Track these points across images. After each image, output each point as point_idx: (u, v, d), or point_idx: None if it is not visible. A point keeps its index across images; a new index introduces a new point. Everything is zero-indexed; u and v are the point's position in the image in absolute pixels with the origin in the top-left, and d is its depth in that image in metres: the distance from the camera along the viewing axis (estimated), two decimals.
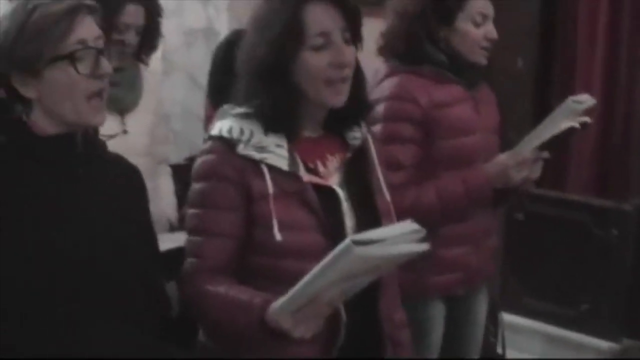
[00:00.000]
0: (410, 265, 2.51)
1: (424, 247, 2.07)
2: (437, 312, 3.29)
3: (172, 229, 3.74)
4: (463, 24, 3.19)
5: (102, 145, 2.28)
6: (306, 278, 2.05)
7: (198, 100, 6.08)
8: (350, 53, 2.34)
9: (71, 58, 2.09)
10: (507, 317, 4.24)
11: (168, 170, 4.13)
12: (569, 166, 5.63)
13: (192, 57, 6.26)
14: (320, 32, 2.31)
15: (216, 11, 6.26)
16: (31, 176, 2.10)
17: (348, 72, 2.34)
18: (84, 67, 2.11)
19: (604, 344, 5.25)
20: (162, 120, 4.09)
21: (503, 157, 3.11)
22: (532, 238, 5.29)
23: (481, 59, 3.23)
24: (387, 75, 3.20)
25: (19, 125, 2.14)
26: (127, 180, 2.30)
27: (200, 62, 6.11)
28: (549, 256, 5.38)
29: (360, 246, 1.95)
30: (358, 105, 2.43)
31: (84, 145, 2.17)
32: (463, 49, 3.20)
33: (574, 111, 3.04)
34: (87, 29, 2.13)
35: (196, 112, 6.02)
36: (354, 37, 2.36)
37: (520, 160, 3.06)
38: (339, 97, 2.34)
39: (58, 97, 2.12)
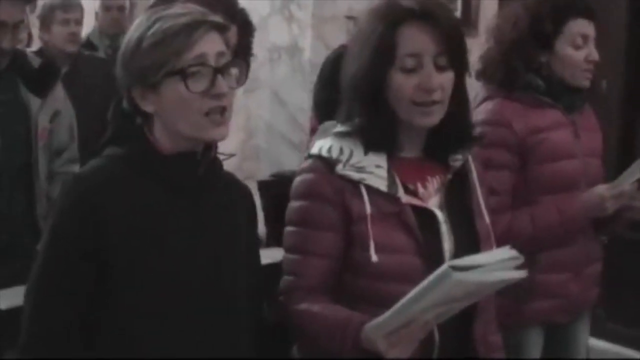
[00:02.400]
0: (508, 290, 2.51)
1: (522, 274, 2.07)
2: (534, 340, 3.25)
3: (261, 244, 3.77)
4: (563, 47, 3.17)
5: (220, 165, 2.25)
6: (403, 301, 2.06)
7: (282, 117, 6.12)
8: (441, 78, 2.32)
9: (183, 74, 2.04)
10: (591, 342, 4.20)
11: (254, 185, 4.15)
12: None
13: (276, 74, 6.29)
14: (410, 54, 2.31)
15: (300, 29, 6.29)
16: (149, 193, 2.10)
17: (437, 96, 2.32)
18: (197, 85, 2.05)
19: None
20: (250, 137, 4.12)
21: (602, 188, 3.08)
22: (615, 261, 5.23)
23: (584, 82, 3.20)
24: (484, 100, 3.19)
25: (140, 139, 2.12)
26: (241, 200, 2.31)
27: (284, 79, 6.16)
28: (632, 279, 5.32)
29: (458, 272, 1.95)
30: (460, 128, 2.42)
31: (205, 164, 2.15)
32: (564, 73, 3.18)
33: None
34: (208, 45, 2.07)
35: (279, 129, 6.05)
36: (455, 62, 2.35)
37: (617, 193, 3.04)
38: (428, 119, 2.34)
39: (173, 113, 2.08)
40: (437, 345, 2.30)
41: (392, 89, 2.33)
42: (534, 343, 3.26)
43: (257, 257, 2.36)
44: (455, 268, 1.96)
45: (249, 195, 2.36)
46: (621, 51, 5.70)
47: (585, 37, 3.18)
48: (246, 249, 2.27)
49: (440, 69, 2.32)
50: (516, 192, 3.12)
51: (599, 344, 5.11)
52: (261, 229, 3.95)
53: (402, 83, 2.31)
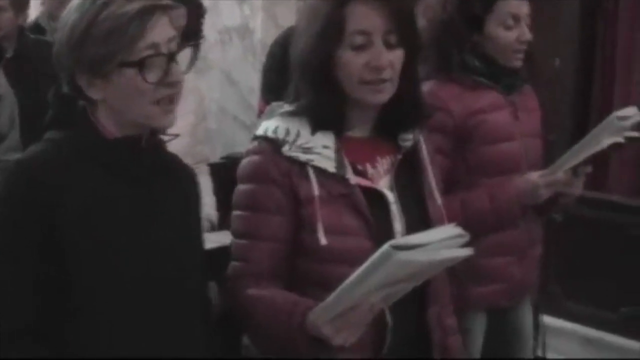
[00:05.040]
0: (451, 275, 2.49)
1: (468, 252, 2.03)
2: (478, 324, 3.23)
3: (213, 228, 3.71)
4: (493, 27, 3.13)
5: (163, 146, 2.20)
6: (345, 284, 2.02)
7: (233, 99, 6.08)
8: (390, 56, 2.28)
9: (139, 66, 1.99)
10: (547, 320, 4.19)
11: (206, 169, 4.10)
12: (609, 167, 5.57)
13: (227, 56, 6.25)
14: (359, 31, 2.27)
15: (251, 9, 6.24)
16: (93, 177, 2.05)
17: (387, 74, 2.28)
18: (153, 74, 2.01)
19: None
20: (202, 120, 4.06)
21: (535, 175, 3.06)
22: (572, 240, 5.23)
23: (515, 62, 3.16)
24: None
25: (83, 123, 2.07)
26: (185, 183, 2.26)
27: (236, 60, 6.11)
28: (589, 258, 5.33)
29: (401, 251, 1.90)
30: (410, 107, 2.38)
31: (148, 147, 2.10)
32: (496, 54, 3.14)
33: (618, 127, 2.99)
34: (160, 32, 2.02)
35: (231, 111, 6.00)
36: (404, 40, 2.30)
37: (551, 181, 3.02)
38: (377, 97, 2.30)
39: (124, 101, 2.04)
40: (390, 329, 2.27)
41: (341, 67, 2.28)
42: (478, 327, 3.23)
43: (200, 238, 2.30)
44: (398, 248, 1.90)
45: (193, 177, 2.31)
46: (574, 29, 5.70)
47: (516, 17, 3.14)
48: (190, 231, 2.22)
49: (390, 47, 2.28)
50: (456, 176, 3.07)
51: (556, 322, 5.12)
52: (213, 212, 3.90)
53: (351, 61, 2.27)
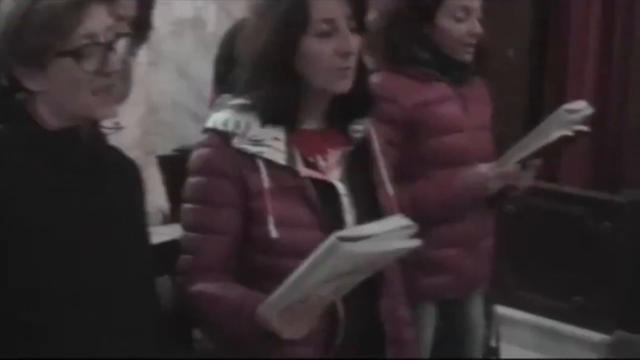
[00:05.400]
0: (402, 266, 2.48)
1: (415, 242, 2.02)
2: (428, 316, 3.22)
3: (165, 221, 3.68)
4: (444, 20, 3.11)
5: (103, 138, 2.18)
6: (292, 277, 2.00)
7: (186, 91, 6.04)
8: (355, 41, 2.28)
9: (76, 55, 1.97)
10: (500, 310, 4.21)
11: (155, 161, 4.06)
12: (563, 159, 5.61)
13: (180, 47, 6.20)
14: (325, 18, 2.25)
15: (204, 1, 6.21)
16: (34, 170, 2.01)
17: (353, 60, 2.28)
18: (89, 64, 1.98)
19: (596, 336, 5.25)
20: (152, 112, 4.02)
21: (485, 168, 3.06)
22: (525, 231, 5.26)
23: (465, 56, 3.15)
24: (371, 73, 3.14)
25: (21, 115, 2.04)
26: (126, 174, 2.22)
27: (188, 53, 6.07)
28: (542, 249, 5.36)
29: (347, 242, 1.89)
30: (361, 97, 2.37)
31: (88, 139, 2.07)
32: (446, 47, 3.13)
33: (567, 120, 2.99)
34: (97, 21, 1.99)
35: (184, 103, 5.96)
36: (360, 26, 2.30)
37: (500, 173, 3.02)
38: (343, 84, 2.29)
39: (62, 92, 2.01)
40: (342, 321, 2.25)
41: (306, 57, 2.26)
42: (429, 319, 3.22)
43: (146, 233, 2.27)
44: (344, 239, 1.89)
45: (135, 168, 2.28)
46: (527, 20, 5.72)
47: (467, 10, 3.13)
48: (134, 223, 2.19)
49: (352, 30, 2.28)
50: (405, 168, 3.05)
51: (510, 312, 5.15)
52: (164, 204, 3.87)
53: (318, 49, 2.26)
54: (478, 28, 3.13)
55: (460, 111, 3.16)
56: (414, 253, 3.07)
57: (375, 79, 3.04)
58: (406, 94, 3.08)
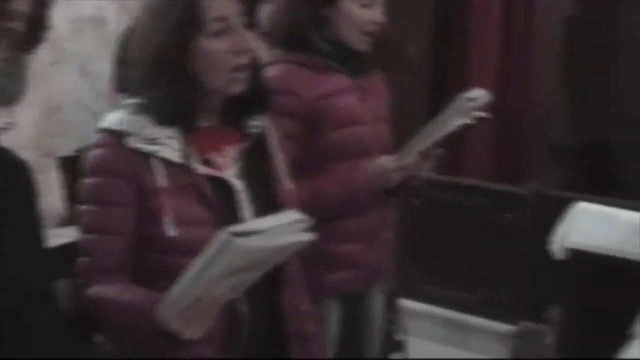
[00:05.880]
0: (304, 263, 2.47)
1: (309, 236, 2.02)
2: (332, 311, 3.22)
3: (63, 223, 3.64)
4: (349, 3, 3.09)
5: None
6: (186, 275, 1.99)
7: (89, 90, 5.96)
8: (248, 38, 2.28)
9: None
10: (407, 304, 4.24)
11: (54, 162, 4.01)
12: (464, 151, 5.67)
13: (81, 46, 6.12)
14: (218, 17, 2.24)
15: (105, 0, 6.14)
16: None
17: (246, 58, 2.28)
18: None
19: (502, 327, 5.31)
20: (52, 112, 3.97)
21: (386, 159, 3.07)
22: (430, 224, 5.31)
23: (363, 45, 3.14)
24: (267, 65, 3.12)
25: None
26: (15, 175, 2.17)
27: (90, 51, 5.99)
28: (447, 241, 5.41)
29: (240, 238, 1.88)
30: (256, 94, 2.36)
31: None
32: (346, 33, 3.10)
33: (467, 108, 3.01)
34: None
35: (86, 102, 5.89)
36: (251, 22, 2.30)
37: (402, 165, 3.03)
38: (239, 84, 2.28)
39: None
40: (244, 319, 2.25)
41: (201, 56, 2.25)
42: (332, 314, 3.22)
43: (40, 236, 2.22)
44: (237, 234, 1.88)
45: (24, 169, 2.22)
46: (429, 15, 5.77)
47: None
48: (22, 225, 2.13)
49: (245, 28, 2.28)
50: (306, 161, 3.05)
51: (416, 305, 5.18)
52: (63, 207, 3.83)
53: (213, 48, 2.24)
54: (380, 17, 3.13)
55: (359, 103, 3.15)
56: (317, 248, 3.10)
57: (273, 71, 3.02)
58: (305, 86, 3.07)
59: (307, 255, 2.94)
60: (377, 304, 3.37)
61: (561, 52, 5.54)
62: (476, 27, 5.78)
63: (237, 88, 2.29)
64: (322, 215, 3.05)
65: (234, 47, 2.25)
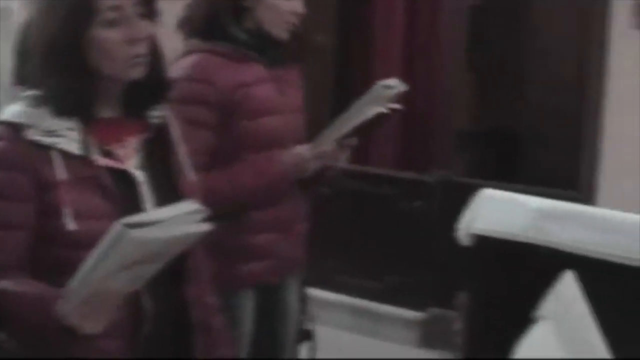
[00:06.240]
0: (219, 253, 2.46)
1: (206, 227, 2.00)
2: (247, 302, 3.21)
3: None
4: None
5: None
6: (82, 269, 1.97)
7: None
8: (145, 27, 2.25)
9: None
10: (316, 293, 4.24)
11: None
12: (373, 141, 5.69)
13: None
14: (112, 6, 2.20)
15: None
16: None
17: (144, 47, 2.25)
18: None
19: (411, 314, 5.35)
20: None
21: (302, 149, 3.07)
22: (337, 213, 5.32)
23: (283, 33, 3.14)
24: (185, 54, 3.11)
25: None
26: None
27: None
28: (355, 230, 5.43)
29: (134, 229, 1.86)
30: (156, 84, 2.34)
31: None
32: (267, 22, 3.11)
33: (383, 96, 3.02)
34: None
35: None
36: (149, 11, 2.26)
37: (319, 153, 3.04)
38: (135, 71, 2.25)
39: None
40: (147, 312, 2.23)
41: (96, 46, 2.21)
42: (247, 305, 3.22)
43: None
44: (131, 225, 1.86)
45: None
46: (334, 5, 5.77)
47: None
48: None
49: (141, 17, 2.24)
50: (221, 150, 3.05)
51: (324, 294, 5.19)
52: None
53: (107, 38, 2.21)
54: (301, 8, 3.14)
55: (276, 93, 3.15)
56: (232, 239, 3.08)
57: (190, 60, 3.04)
58: (222, 75, 3.06)
59: (221, 246, 2.95)
60: (291, 295, 3.38)
61: (466, 40, 5.59)
62: (381, 16, 5.80)
63: (132, 77, 2.26)
64: (240, 205, 3.07)
65: (129, 36, 2.22)
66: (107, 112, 2.31)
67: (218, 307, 2.51)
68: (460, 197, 4.30)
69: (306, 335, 3.68)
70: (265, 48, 3.14)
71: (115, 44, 2.21)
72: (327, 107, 5.27)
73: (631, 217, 3.89)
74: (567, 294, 2.60)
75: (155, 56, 2.31)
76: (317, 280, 4.69)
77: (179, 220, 1.94)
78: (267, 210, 3.13)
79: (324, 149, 3.04)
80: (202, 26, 3.11)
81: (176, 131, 2.43)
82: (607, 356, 2.59)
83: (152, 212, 1.95)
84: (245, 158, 3.07)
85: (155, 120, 2.37)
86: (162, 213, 1.95)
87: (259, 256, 3.17)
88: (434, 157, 5.64)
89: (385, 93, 3.03)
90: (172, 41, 2.95)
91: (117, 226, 1.88)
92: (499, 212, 4.07)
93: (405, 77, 5.35)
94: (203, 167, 2.98)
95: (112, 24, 2.21)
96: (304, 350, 3.52)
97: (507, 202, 4.13)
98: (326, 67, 5.73)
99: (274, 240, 3.18)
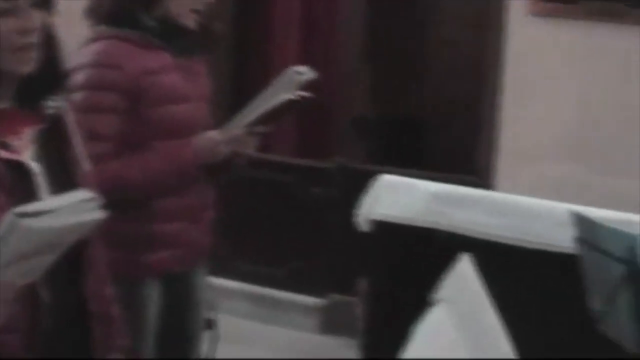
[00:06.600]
0: (125, 242, 2.43)
1: (99, 214, 1.99)
2: (153, 291, 3.20)
3: None
4: None
5: None
6: None
7: None
8: (37, 17, 2.21)
9: None
10: (217, 281, 4.24)
11: None
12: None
13: None
14: None
15: None
16: None
17: (35, 37, 2.20)
18: None
19: (311, 300, 5.38)
20: None
21: (213, 133, 3.07)
22: (238, 201, 5.31)
23: (190, 22, 3.14)
24: (92, 41, 3.08)
25: None
26: None
27: None
28: (255, 218, 5.44)
29: (26, 218, 1.84)
30: (52, 73, 2.31)
31: None
32: (176, 11, 3.10)
33: (293, 83, 3.03)
34: None
35: None
36: (43, 1, 2.22)
37: (229, 137, 3.04)
38: (26, 64, 2.21)
39: None
40: (45, 305, 2.19)
41: None
42: (153, 294, 3.21)
43: None
44: (24, 215, 1.84)
45: None
46: None
47: None
48: None
49: (34, 6, 2.20)
50: (129, 138, 3.04)
51: (226, 283, 5.20)
52: None
53: None
54: None
55: (183, 82, 3.15)
56: (137, 228, 3.06)
57: (97, 46, 3.03)
58: (130, 61, 3.04)
59: (127, 235, 2.92)
60: (198, 284, 3.37)
61: (365, 28, 5.63)
62: (279, 3, 5.80)
63: (26, 68, 2.23)
64: (150, 191, 3.05)
65: (20, 26, 2.17)
66: (2, 103, 2.27)
67: (113, 298, 2.49)
68: (359, 184, 4.35)
69: (208, 324, 3.67)
70: (173, 37, 3.13)
71: (5, 35, 2.17)
72: (224, 97, 5.25)
73: (527, 200, 3.98)
74: (463, 277, 2.65)
75: (50, 46, 2.28)
76: (218, 268, 4.69)
77: (72, 209, 1.92)
78: (175, 198, 3.13)
79: (236, 133, 3.04)
80: (110, 13, 3.09)
81: (72, 121, 2.39)
82: (503, 335, 2.64)
83: (44, 202, 1.92)
84: (155, 145, 3.06)
85: (51, 111, 2.33)
86: (55, 202, 1.94)
87: (166, 245, 3.16)
88: (333, 144, 5.67)
89: (295, 80, 3.04)
90: (76, 28, 2.94)
91: (8, 216, 1.85)
92: (397, 197, 4.12)
93: (303, 64, 5.39)
94: (112, 153, 2.96)
95: (2, 14, 2.17)
96: (205, 340, 3.52)
97: (405, 187, 4.18)
98: (223, 55, 5.70)
99: (182, 229, 3.18)
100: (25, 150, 2.25)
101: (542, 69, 4.95)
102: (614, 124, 4.82)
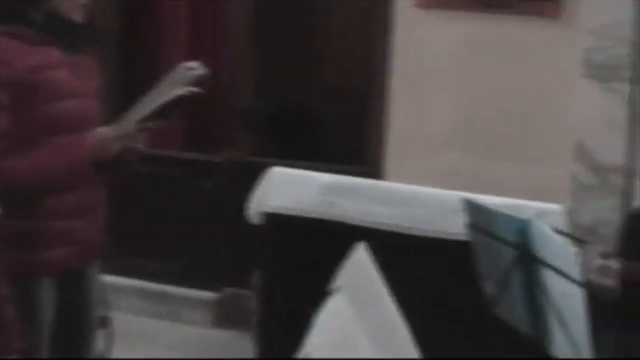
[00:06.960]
0: (18, 240, 2.38)
1: None
2: (47, 291, 3.15)
3: None
4: None
5: None
6: None
7: None
8: None
9: None
10: (109, 279, 4.19)
11: None
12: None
13: None
14: None
15: None
16: None
17: None
18: None
19: (205, 295, 5.37)
20: None
21: (104, 130, 3.04)
22: (129, 197, 5.27)
23: (79, 16, 3.11)
24: None
25: None
26: None
27: None
28: (146, 214, 5.40)
29: None
30: None
31: None
32: (64, 7, 3.06)
33: (185, 79, 3.01)
34: None
35: None
36: None
37: (122, 133, 3.01)
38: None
39: None
40: None
41: None
42: (47, 294, 3.16)
43: None
44: None
45: None
46: None
47: None
48: None
49: None
50: (19, 134, 2.99)
51: (117, 280, 5.14)
52: None
53: None
54: None
55: (72, 78, 3.11)
56: (30, 226, 3.01)
57: None
58: (17, 56, 2.99)
59: (18, 233, 2.87)
60: (93, 282, 3.33)
61: (251, 19, 5.63)
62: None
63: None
64: (42, 188, 2.99)
65: None
66: None
67: (7, 299, 2.45)
68: (249, 177, 4.36)
69: (102, 323, 3.64)
70: (62, 33, 3.09)
71: None
72: (112, 93, 5.19)
73: (417, 189, 4.03)
74: (359, 266, 2.67)
75: None
76: (111, 266, 4.65)
77: None
78: (67, 196, 3.08)
79: (128, 129, 3.01)
80: None
81: None
82: (401, 321, 2.67)
83: None
84: (46, 141, 3.02)
85: None
86: None
87: (60, 242, 3.11)
88: (223, 138, 5.65)
89: (187, 75, 3.03)
90: None
91: None
92: (288, 189, 4.14)
93: (191, 58, 5.37)
94: (2, 150, 2.91)
95: None
96: (100, 338, 3.48)
97: (296, 179, 4.20)
98: (111, 51, 5.64)
99: (75, 226, 3.14)
100: None
101: (430, 60, 5.02)
102: (501, 112, 4.91)
